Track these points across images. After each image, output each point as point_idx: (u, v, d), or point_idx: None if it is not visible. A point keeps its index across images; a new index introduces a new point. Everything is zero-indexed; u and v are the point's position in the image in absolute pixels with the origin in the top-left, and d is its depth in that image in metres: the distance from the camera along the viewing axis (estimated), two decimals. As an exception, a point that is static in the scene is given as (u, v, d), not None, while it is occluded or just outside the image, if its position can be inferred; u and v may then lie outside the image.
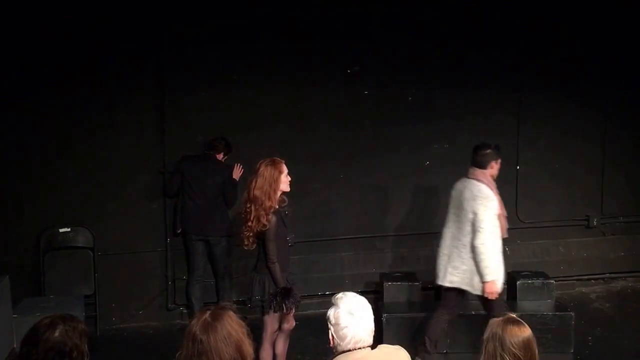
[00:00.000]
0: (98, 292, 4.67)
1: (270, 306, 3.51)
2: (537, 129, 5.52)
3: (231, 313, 1.87)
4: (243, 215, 3.58)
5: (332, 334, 2.13)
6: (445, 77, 5.24)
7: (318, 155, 5.07)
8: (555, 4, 5.40)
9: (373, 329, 2.15)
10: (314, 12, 4.94)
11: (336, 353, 2.13)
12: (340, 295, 2.18)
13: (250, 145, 4.83)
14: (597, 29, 5.48)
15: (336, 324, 2.11)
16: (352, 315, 2.10)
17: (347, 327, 2.09)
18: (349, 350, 2.10)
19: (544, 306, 4.45)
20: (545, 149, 5.57)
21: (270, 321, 3.63)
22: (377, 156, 5.19)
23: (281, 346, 3.74)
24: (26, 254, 4.61)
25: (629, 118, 5.68)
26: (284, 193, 3.58)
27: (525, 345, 2.12)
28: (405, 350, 2.21)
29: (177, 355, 1.85)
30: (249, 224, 3.50)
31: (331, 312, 2.13)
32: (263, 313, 3.62)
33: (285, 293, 3.49)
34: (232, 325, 1.83)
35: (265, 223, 3.45)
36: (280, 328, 3.69)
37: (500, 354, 2.10)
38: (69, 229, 4.62)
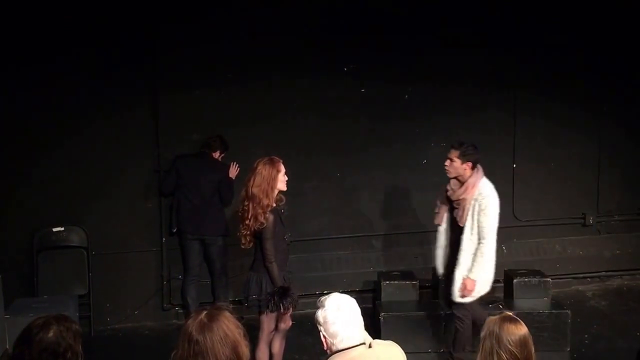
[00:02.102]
0: (92, 292, 4.63)
1: (268, 306, 3.48)
2: (533, 127, 5.52)
3: (227, 313, 1.85)
4: (240, 214, 3.57)
5: (323, 335, 2.12)
6: (441, 75, 5.23)
7: (315, 154, 5.05)
8: (551, 2, 5.41)
9: (363, 323, 2.14)
10: (310, 10, 4.91)
11: (331, 353, 2.11)
12: (324, 297, 2.18)
13: (246, 143, 4.81)
14: (594, 27, 5.49)
15: (325, 323, 2.10)
16: (339, 312, 2.09)
17: (335, 323, 2.08)
18: (344, 349, 2.08)
19: (540, 304, 4.45)
20: (542, 147, 5.57)
21: (267, 321, 3.60)
22: (374, 154, 5.17)
23: (277, 346, 3.72)
24: (19, 254, 4.56)
25: (625, 116, 5.70)
26: (281, 192, 3.57)
27: (522, 343, 2.12)
28: (398, 346, 2.20)
29: (172, 354, 1.84)
30: (247, 222, 3.49)
31: (319, 313, 2.13)
32: (260, 312, 3.60)
33: (283, 292, 3.47)
34: (229, 326, 1.81)
35: (263, 221, 3.44)
36: (276, 328, 3.67)
37: (497, 352, 2.10)
38: (62, 228, 4.58)
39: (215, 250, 4.56)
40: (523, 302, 4.49)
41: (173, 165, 4.60)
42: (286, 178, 3.58)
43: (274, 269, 3.48)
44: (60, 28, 4.47)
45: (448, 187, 3.82)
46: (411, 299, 4.59)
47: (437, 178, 5.32)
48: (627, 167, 5.75)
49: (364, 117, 5.16)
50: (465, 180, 3.74)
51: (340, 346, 2.07)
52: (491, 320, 2.20)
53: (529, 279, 4.58)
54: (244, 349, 1.82)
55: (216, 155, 4.64)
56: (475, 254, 3.70)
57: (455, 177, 3.76)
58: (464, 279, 3.70)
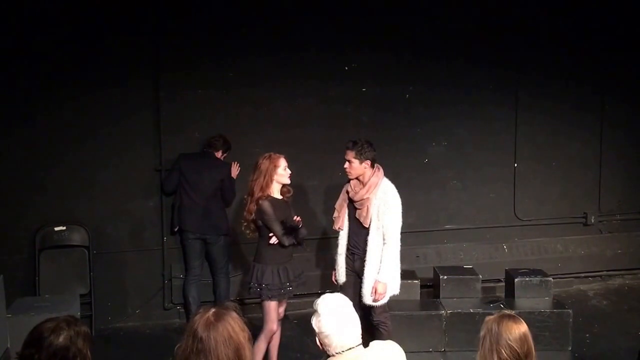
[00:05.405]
0: (94, 291, 4.63)
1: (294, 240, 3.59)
2: (535, 126, 5.52)
3: (234, 315, 1.84)
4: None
5: (318, 341, 2.12)
6: (442, 74, 5.23)
7: (315, 153, 5.05)
8: (551, 1, 5.40)
9: (359, 325, 2.12)
10: (312, 9, 4.91)
11: (328, 354, 2.12)
12: (318, 300, 2.16)
13: (248, 143, 4.81)
14: (595, 26, 5.49)
15: (320, 332, 2.09)
16: (333, 320, 2.08)
17: (330, 334, 2.07)
18: (341, 352, 2.08)
19: (542, 304, 4.44)
20: (543, 146, 5.57)
21: (270, 315, 3.61)
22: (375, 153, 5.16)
23: (275, 340, 3.76)
24: (21, 253, 4.56)
25: (627, 115, 5.70)
26: (285, 185, 3.67)
27: (522, 339, 2.13)
28: (398, 346, 2.19)
29: (176, 347, 1.84)
30: (244, 214, 3.65)
31: (313, 320, 2.12)
32: (262, 301, 3.64)
33: (293, 229, 3.57)
34: (234, 328, 1.81)
35: (252, 211, 3.57)
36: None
37: (497, 349, 2.11)
38: (64, 227, 4.58)
39: (216, 249, 4.56)
40: (524, 301, 4.48)
41: (176, 163, 4.60)
42: (289, 172, 3.66)
43: (291, 238, 3.57)
44: (61, 27, 4.47)
45: (348, 189, 3.71)
46: (413, 298, 4.58)
47: (438, 177, 5.37)
48: (628, 167, 5.75)
49: (365, 117, 5.16)
50: (367, 180, 3.62)
51: (337, 351, 2.07)
52: (490, 319, 2.20)
53: (531, 279, 4.57)
54: (247, 353, 1.82)
55: (219, 154, 4.64)
56: (382, 256, 3.58)
57: (356, 178, 3.66)
58: (375, 283, 3.58)
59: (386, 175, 3.74)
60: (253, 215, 3.57)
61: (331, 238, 5.13)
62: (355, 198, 3.66)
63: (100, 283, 4.67)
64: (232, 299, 4.73)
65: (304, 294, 4.30)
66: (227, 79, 4.86)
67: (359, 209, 3.66)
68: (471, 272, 4.73)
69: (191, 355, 1.79)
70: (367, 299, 3.63)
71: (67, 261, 4.61)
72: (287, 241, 3.57)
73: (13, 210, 4.55)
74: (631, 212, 5.76)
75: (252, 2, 4.84)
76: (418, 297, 4.61)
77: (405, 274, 4.78)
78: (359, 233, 3.68)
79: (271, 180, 3.58)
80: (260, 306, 3.73)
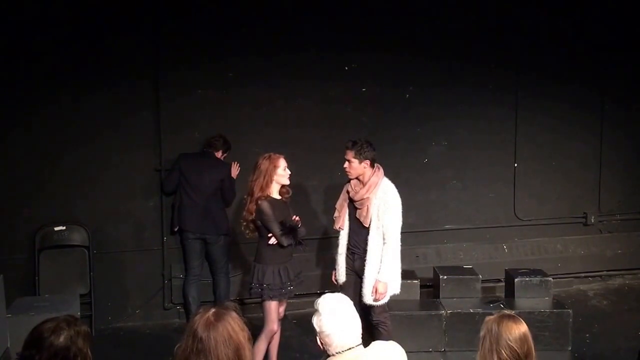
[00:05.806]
0: (94, 291, 4.63)
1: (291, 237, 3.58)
2: (535, 126, 5.53)
3: (234, 314, 1.85)
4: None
5: (319, 341, 2.13)
6: (442, 74, 5.24)
7: (315, 153, 5.05)
8: (550, 1, 5.41)
9: (360, 325, 2.13)
10: (312, 9, 4.91)
11: (327, 355, 2.12)
12: (319, 300, 2.16)
13: (248, 143, 4.81)
14: (595, 26, 5.49)
15: (321, 332, 2.10)
16: (333, 320, 2.08)
17: (331, 333, 2.08)
18: (341, 352, 2.08)
19: (541, 303, 4.44)
20: (543, 146, 5.58)
21: (270, 316, 3.61)
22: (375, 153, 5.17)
23: (275, 340, 3.76)
24: (21, 253, 4.56)
25: (626, 115, 5.70)
26: (284, 186, 3.67)
27: (522, 340, 2.13)
28: (399, 346, 2.19)
29: (176, 347, 1.84)
30: (244, 214, 3.67)
31: (314, 320, 2.13)
32: (263, 301, 3.64)
33: (291, 229, 3.58)
34: (234, 328, 1.82)
35: (252, 211, 3.58)
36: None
37: (497, 350, 2.11)
38: (64, 227, 4.58)
39: (216, 249, 4.56)
40: (524, 301, 4.48)
41: (176, 163, 4.60)
42: (289, 172, 3.67)
43: (290, 238, 3.57)
44: (61, 27, 4.47)
45: (349, 189, 3.73)
46: (413, 298, 4.58)
47: (438, 177, 5.37)
48: (628, 167, 5.75)
49: (365, 117, 5.16)
50: (367, 180, 3.64)
51: (337, 351, 2.08)
52: (490, 319, 2.21)
53: (530, 279, 4.57)
54: (247, 353, 1.82)
55: (219, 154, 4.64)
56: (382, 256, 3.59)
57: (356, 178, 3.68)
58: (375, 283, 3.58)
59: (386, 175, 3.75)
60: (253, 215, 3.59)
61: (331, 238, 5.14)
62: (356, 198, 3.68)
63: (100, 283, 4.67)
64: (232, 299, 4.73)
65: (304, 294, 4.31)
66: (227, 79, 4.86)
67: (359, 208, 3.67)
68: (471, 272, 4.73)
69: (191, 355, 1.79)
70: (368, 299, 3.64)
71: (67, 261, 4.61)
72: (285, 241, 3.58)
73: (13, 210, 4.55)
74: (631, 212, 5.76)
75: (252, 2, 4.85)
76: (418, 297, 4.61)
77: (405, 274, 4.78)
78: (359, 233, 3.70)
79: (271, 181, 3.59)
80: (260, 306, 3.75)
